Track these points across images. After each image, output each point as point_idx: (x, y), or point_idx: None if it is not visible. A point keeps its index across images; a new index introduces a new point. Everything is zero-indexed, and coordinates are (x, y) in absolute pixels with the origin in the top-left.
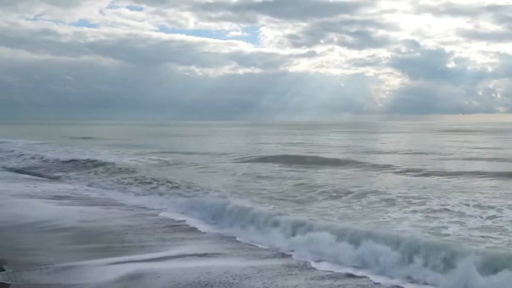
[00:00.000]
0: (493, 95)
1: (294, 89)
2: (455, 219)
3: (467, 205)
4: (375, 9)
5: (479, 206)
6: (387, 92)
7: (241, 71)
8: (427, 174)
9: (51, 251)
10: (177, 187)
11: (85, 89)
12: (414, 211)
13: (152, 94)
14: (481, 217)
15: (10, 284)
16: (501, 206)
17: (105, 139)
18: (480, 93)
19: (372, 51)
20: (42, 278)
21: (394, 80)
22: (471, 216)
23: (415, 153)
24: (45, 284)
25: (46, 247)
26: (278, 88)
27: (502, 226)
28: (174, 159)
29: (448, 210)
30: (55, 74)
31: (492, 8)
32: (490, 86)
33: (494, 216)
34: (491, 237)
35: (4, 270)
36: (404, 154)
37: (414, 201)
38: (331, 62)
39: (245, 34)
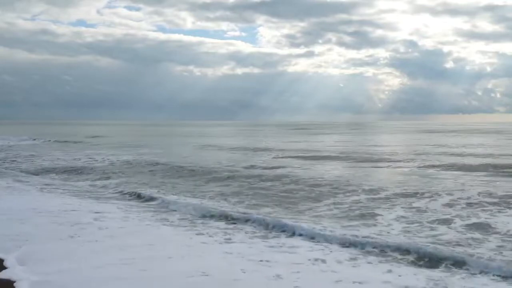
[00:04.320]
0: (492, 95)
1: (292, 89)
2: None
3: None
4: (373, 9)
5: None
6: (386, 92)
7: (239, 71)
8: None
9: None
10: None
11: (83, 89)
12: None
13: (150, 94)
14: None
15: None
16: None
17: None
18: (479, 93)
19: (371, 51)
20: None
21: (393, 80)
22: None
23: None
24: None
25: None
26: (277, 88)
27: None
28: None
29: None
30: (53, 73)
31: (489, 8)
32: (489, 86)
33: None
34: None
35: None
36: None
37: None
38: (329, 62)
39: (243, 34)
